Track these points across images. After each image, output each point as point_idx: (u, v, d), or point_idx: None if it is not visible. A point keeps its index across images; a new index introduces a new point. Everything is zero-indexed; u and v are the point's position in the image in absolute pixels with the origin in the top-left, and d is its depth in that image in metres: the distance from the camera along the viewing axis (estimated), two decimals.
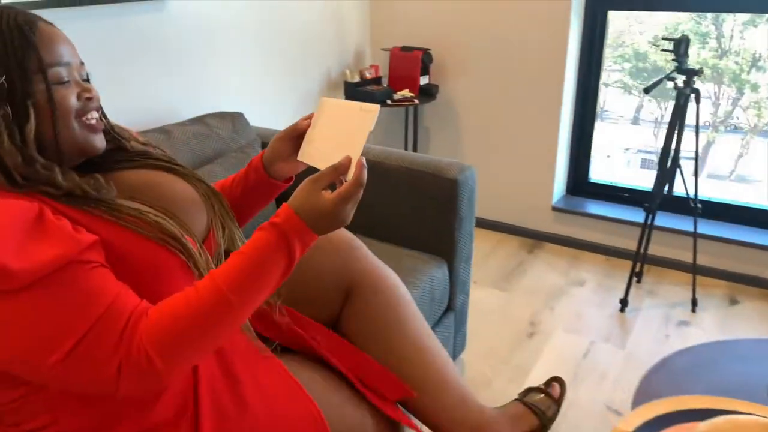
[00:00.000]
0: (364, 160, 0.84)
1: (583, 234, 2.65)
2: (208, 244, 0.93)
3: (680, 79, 2.00)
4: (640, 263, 2.36)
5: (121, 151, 0.94)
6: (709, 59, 3.97)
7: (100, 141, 0.86)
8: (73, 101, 0.81)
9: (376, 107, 0.89)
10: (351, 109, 0.92)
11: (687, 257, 2.43)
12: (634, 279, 2.36)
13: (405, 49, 2.64)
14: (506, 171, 2.72)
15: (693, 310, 2.19)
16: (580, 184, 2.76)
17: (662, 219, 2.42)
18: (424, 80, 2.66)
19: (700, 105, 2.02)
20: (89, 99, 0.83)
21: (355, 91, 2.57)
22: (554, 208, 2.66)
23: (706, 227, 2.39)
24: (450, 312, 1.75)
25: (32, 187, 0.74)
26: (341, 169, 0.83)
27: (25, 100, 0.76)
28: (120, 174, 0.90)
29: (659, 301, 2.26)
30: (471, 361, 1.92)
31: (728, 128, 4.79)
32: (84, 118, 0.83)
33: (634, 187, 2.66)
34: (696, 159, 2.08)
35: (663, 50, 2.01)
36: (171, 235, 0.81)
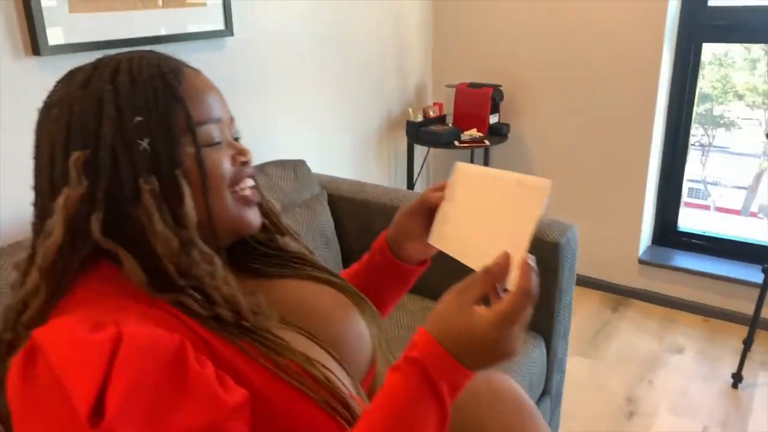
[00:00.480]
0: (533, 261, 0.58)
1: (675, 290, 2.35)
2: (366, 383, 0.72)
3: None
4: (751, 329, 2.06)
5: (275, 250, 0.74)
6: (759, 85, 4.01)
7: (255, 216, 0.67)
8: (226, 167, 0.63)
9: (546, 183, 0.64)
10: (502, 181, 0.67)
11: None
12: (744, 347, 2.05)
13: (473, 85, 2.43)
14: (585, 218, 2.45)
15: None
16: (667, 233, 2.47)
17: None
18: (493, 119, 2.44)
19: None
20: (244, 163, 0.65)
21: (420, 130, 2.36)
22: (641, 261, 2.37)
23: None
24: (545, 396, 1.49)
25: (176, 295, 0.56)
26: (497, 272, 0.59)
27: (173, 169, 0.58)
28: (269, 283, 0.71)
29: None
30: None
31: None
32: (237, 187, 0.64)
33: (728, 237, 2.36)
34: None
35: None
36: (341, 400, 0.60)
